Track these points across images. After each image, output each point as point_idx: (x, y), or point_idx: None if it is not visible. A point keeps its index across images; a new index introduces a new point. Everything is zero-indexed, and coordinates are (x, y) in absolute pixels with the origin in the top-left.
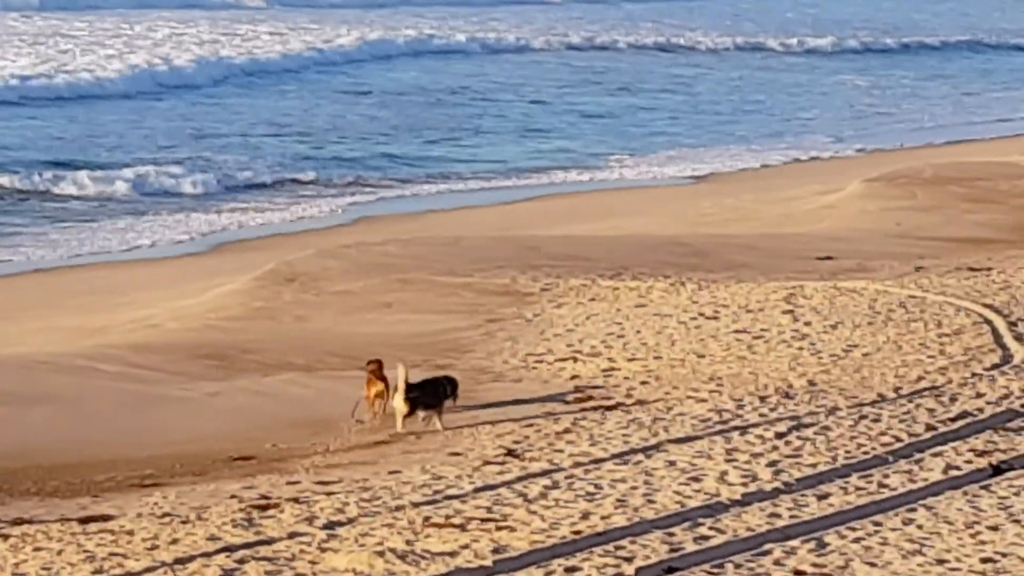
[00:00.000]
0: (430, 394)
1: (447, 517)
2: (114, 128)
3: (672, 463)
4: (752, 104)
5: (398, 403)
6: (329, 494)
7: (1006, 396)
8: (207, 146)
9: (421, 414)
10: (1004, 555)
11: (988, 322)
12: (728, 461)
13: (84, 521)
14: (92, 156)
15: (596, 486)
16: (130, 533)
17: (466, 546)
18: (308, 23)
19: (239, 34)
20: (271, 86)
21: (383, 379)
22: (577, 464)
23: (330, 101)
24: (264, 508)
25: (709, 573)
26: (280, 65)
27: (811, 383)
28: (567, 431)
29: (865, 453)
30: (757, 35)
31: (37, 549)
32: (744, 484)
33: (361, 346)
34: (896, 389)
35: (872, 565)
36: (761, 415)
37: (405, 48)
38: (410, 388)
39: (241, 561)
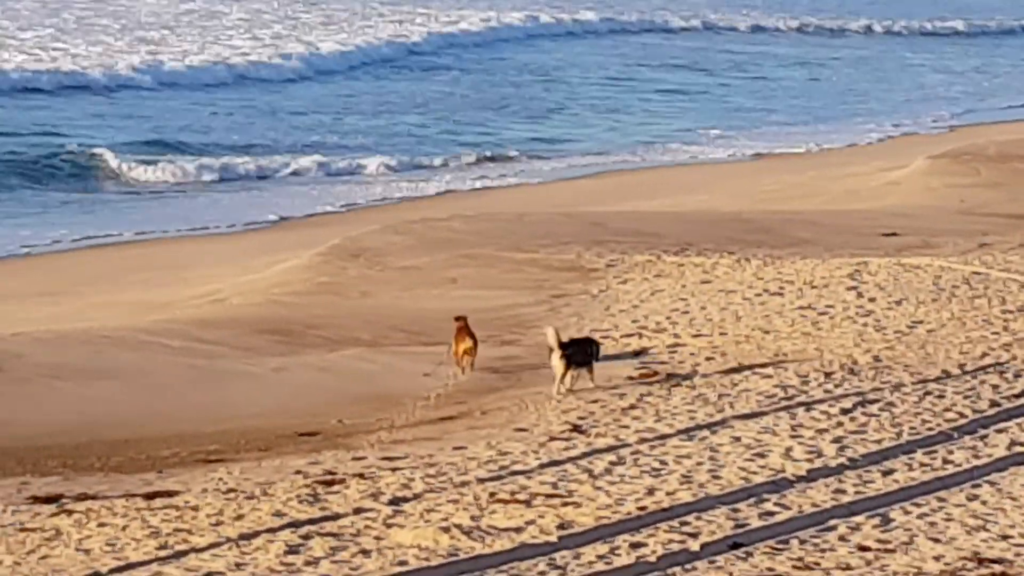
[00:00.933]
0: (582, 352)
1: (512, 493)
2: (295, 109)
3: (737, 439)
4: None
5: (556, 362)
6: (394, 470)
7: None
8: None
9: (573, 372)
10: None
11: None
12: (793, 437)
13: (149, 497)
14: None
15: (661, 462)
16: (195, 509)
17: (532, 522)
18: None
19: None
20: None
21: (472, 335)
22: (643, 440)
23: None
24: (329, 484)
25: (774, 549)
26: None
27: (876, 359)
28: (632, 407)
29: (930, 429)
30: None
31: (101, 524)
32: (809, 460)
33: (426, 320)
34: (960, 365)
35: (936, 541)
36: (826, 391)
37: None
38: (563, 347)
39: (306, 537)
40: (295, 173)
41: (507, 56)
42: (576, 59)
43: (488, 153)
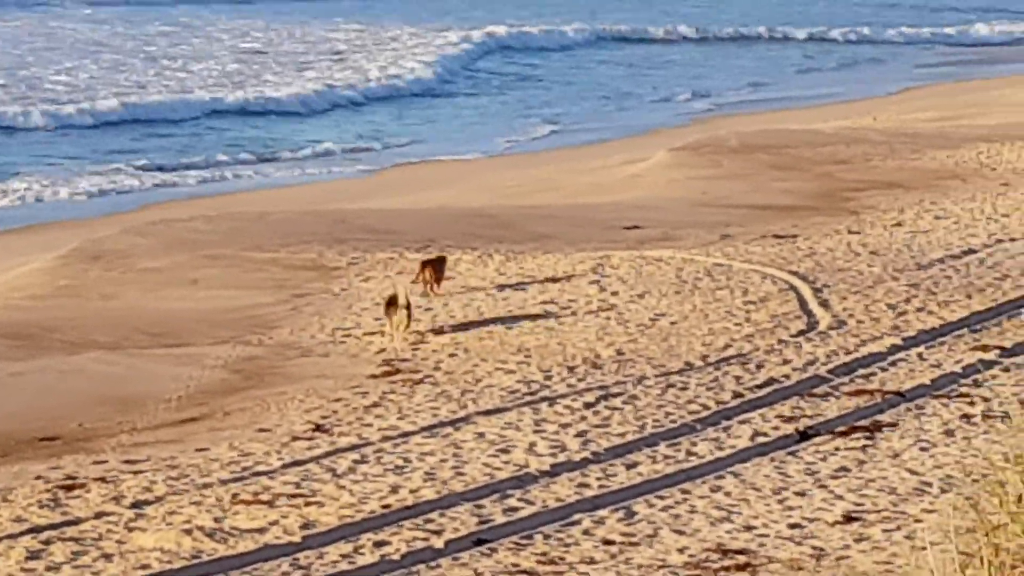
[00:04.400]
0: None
1: (255, 494)
2: None
3: (481, 435)
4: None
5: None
6: (136, 473)
7: (812, 362)
8: None
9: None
10: (811, 520)
11: (793, 289)
12: (536, 432)
13: None
14: None
15: (405, 459)
16: None
17: (275, 522)
18: None
19: None
20: None
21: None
22: (386, 438)
23: None
24: (70, 488)
25: (518, 544)
26: None
27: (619, 353)
28: (375, 405)
29: (673, 422)
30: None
31: None
32: (553, 455)
33: (169, 322)
34: (703, 357)
35: (680, 532)
36: (569, 385)
37: None
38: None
39: (47, 542)
40: None
41: None
42: None
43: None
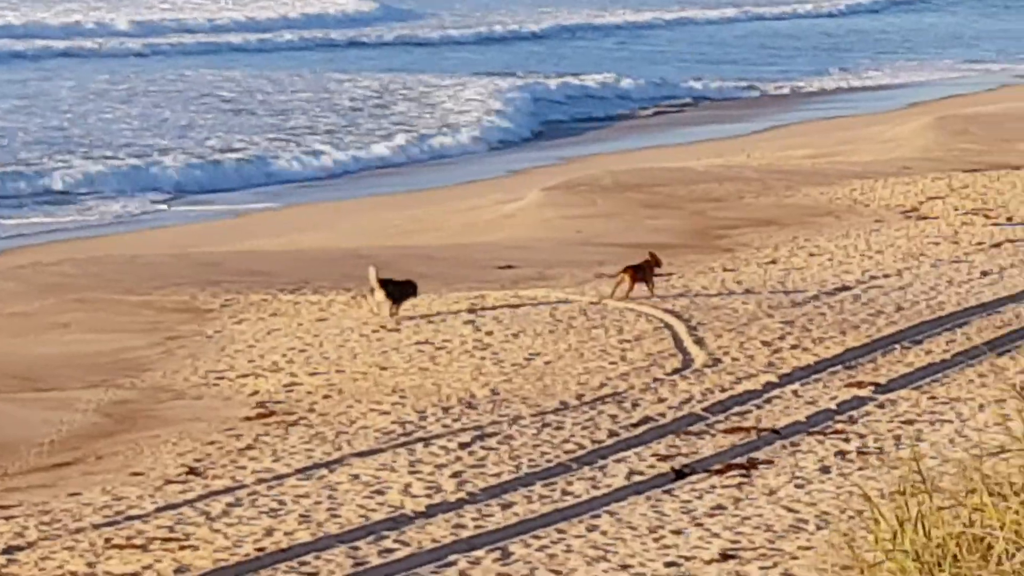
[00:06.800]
0: (400, 289)
1: (128, 538)
2: None
3: (356, 476)
4: None
5: (380, 299)
6: (8, 518)
7: (687, 400)
8: None
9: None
10: (687, 559)
11: (668, 327)
12: (412, 473)
13: None
14: None
15: (279, 502)
16: None
17: (148, 566)
18: None
19: None
20: None
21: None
22: (260, 480)
23: None
24: None
25: None
26: None
27: (494, 392)
28: (249, 447)
29: (549, 461)
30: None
31: None
32: (428, 496)
33: (39, 367)
34: (579, 396)
35: (557, 573)
36: (444, 426)
37: None
38: (384, 284)
39: None
40: None
41: None
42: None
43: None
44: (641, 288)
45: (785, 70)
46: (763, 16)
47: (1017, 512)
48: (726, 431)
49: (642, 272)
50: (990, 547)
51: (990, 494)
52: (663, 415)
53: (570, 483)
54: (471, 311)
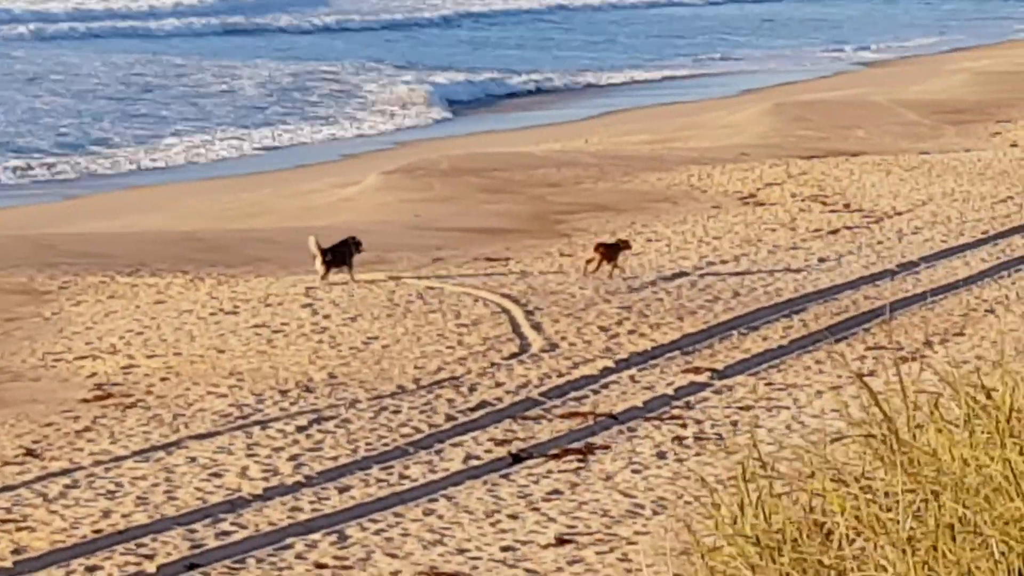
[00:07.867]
0: (339, 254)
1: None
2: None
3: (193, 459)
4: None
5: (319, 266)
6: None
7: (524, 385)
8: None
9: (334, 271)
10: (523, 543)
11: (506, 312)
12: (249, 456)
13: None
14: None
15: (117, 484)
16: None
17: None
18: None
19: None
20: None
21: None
22: (98, 462)
23: None
24: None
25: (231, 569)
26: None
27: (331, 376)
28: (87, 429)
29: (386, 445)
30: None
31: None
32: (265, 479)
33: None
34: (416, 380)
35: (393, 556)
36: (282, 409)
37: None
38: (324, 252)
39: None
40: None
41: None
42: None
43: None
44: (604, 267)
45: (629, 58)
46: (629, 5)
47: (857, 497)
48: (563, 416)
49: (613, 252)
50: (830, 533)
51: (831, 480)
52: (500, 400)
53: (407, 467)
54: (308, 294)
